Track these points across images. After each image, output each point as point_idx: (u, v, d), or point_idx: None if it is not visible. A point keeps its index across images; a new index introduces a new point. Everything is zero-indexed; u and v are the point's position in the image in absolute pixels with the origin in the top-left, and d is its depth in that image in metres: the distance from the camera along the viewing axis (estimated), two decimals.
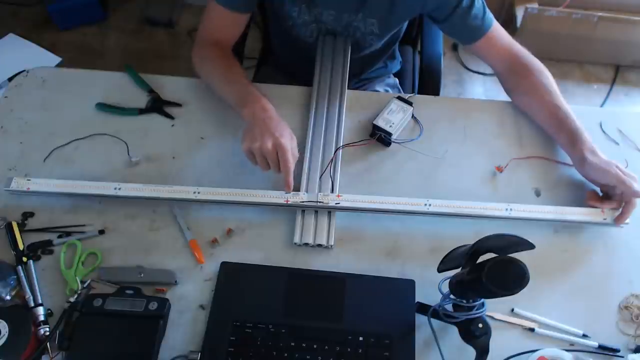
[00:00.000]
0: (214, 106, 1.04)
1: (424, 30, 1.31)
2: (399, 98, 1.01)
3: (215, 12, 1.00)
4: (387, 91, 1.27)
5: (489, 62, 1.05)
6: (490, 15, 0.99)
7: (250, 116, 0.89)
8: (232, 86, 0.97)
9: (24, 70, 1.10)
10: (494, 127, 1.03)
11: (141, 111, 1.04)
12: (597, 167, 0.88)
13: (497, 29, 1.01)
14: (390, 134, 0.97)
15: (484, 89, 2.20)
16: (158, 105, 1.04)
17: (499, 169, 0.96)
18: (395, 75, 1.34)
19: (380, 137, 0.99)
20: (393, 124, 0.97)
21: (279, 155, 0.84)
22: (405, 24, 1.14)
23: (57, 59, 2.08)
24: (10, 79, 1.13)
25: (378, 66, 1.27)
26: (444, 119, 1.04)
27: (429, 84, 1.25)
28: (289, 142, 0.86)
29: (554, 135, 0.98)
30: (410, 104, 1.00)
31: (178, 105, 1.05)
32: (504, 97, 1.09)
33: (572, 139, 0.92)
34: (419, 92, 1.25)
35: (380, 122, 0.97)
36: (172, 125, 1.03)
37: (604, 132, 1.03)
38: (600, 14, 2.08)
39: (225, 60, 1.02)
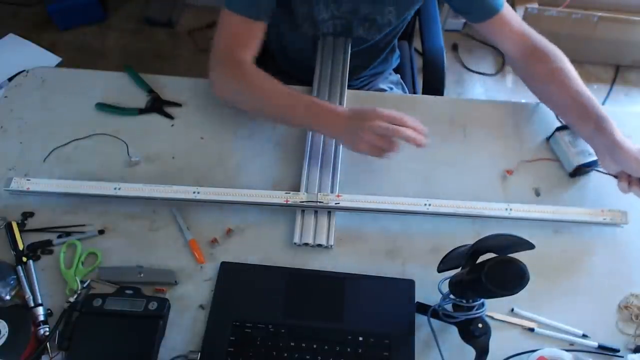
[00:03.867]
0: (214, 106, 1.04)
1: (424, 25, 1.30)
2: (559, 129, 0.97)
3: (236, 23, 0.93)
4: (390, 89, 1.27)
5: (502, 45, 1.00)
6: None
7: (336, 129, 0.88)
8: (290, 110, 0.91)
9: (24, 70, 1.10)
10: (494, 127, 1.03)
11: (141, 111, 1.04)
12: (631, 156, 0.82)
13: (510, 11, 0.97)
14: (595, 161, 0.92)
15: (484, 89, 2.19)
16: (158, 105, 1.04)
17: (509, 172, 0.96)
18: (395, 71, 1.34)
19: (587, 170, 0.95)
20: (586, 149, 0.93)
21: (389, 120, 0.83)
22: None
23: (57, 59, 2.07)
24: (10, 79, 1.13)
25: (381, 59, 1.25)
26: (444, 119, 1.04)
27: (433, 79, 1.22)
28: (378, 110, 0.84)
29: (578, 123, 0.91)
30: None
31: (178, 105, 1.05)
32: (504, 97, 1.09)
33: (599, 125, 0.86)
34: (422, 88, 1.23)
35: (581, 159, 0.92)
36: (172, 125, 1.03)
37: None
38: (600, 14, 2.08)
39: (261, 79, 0.93)
